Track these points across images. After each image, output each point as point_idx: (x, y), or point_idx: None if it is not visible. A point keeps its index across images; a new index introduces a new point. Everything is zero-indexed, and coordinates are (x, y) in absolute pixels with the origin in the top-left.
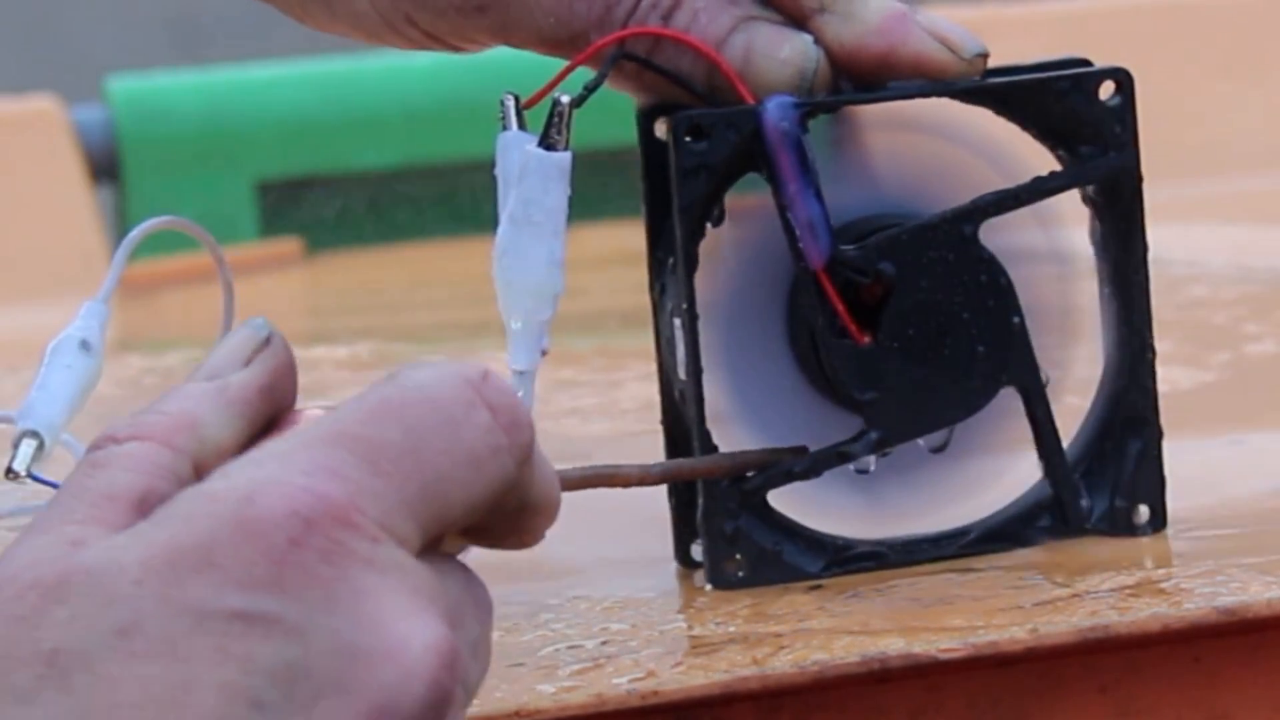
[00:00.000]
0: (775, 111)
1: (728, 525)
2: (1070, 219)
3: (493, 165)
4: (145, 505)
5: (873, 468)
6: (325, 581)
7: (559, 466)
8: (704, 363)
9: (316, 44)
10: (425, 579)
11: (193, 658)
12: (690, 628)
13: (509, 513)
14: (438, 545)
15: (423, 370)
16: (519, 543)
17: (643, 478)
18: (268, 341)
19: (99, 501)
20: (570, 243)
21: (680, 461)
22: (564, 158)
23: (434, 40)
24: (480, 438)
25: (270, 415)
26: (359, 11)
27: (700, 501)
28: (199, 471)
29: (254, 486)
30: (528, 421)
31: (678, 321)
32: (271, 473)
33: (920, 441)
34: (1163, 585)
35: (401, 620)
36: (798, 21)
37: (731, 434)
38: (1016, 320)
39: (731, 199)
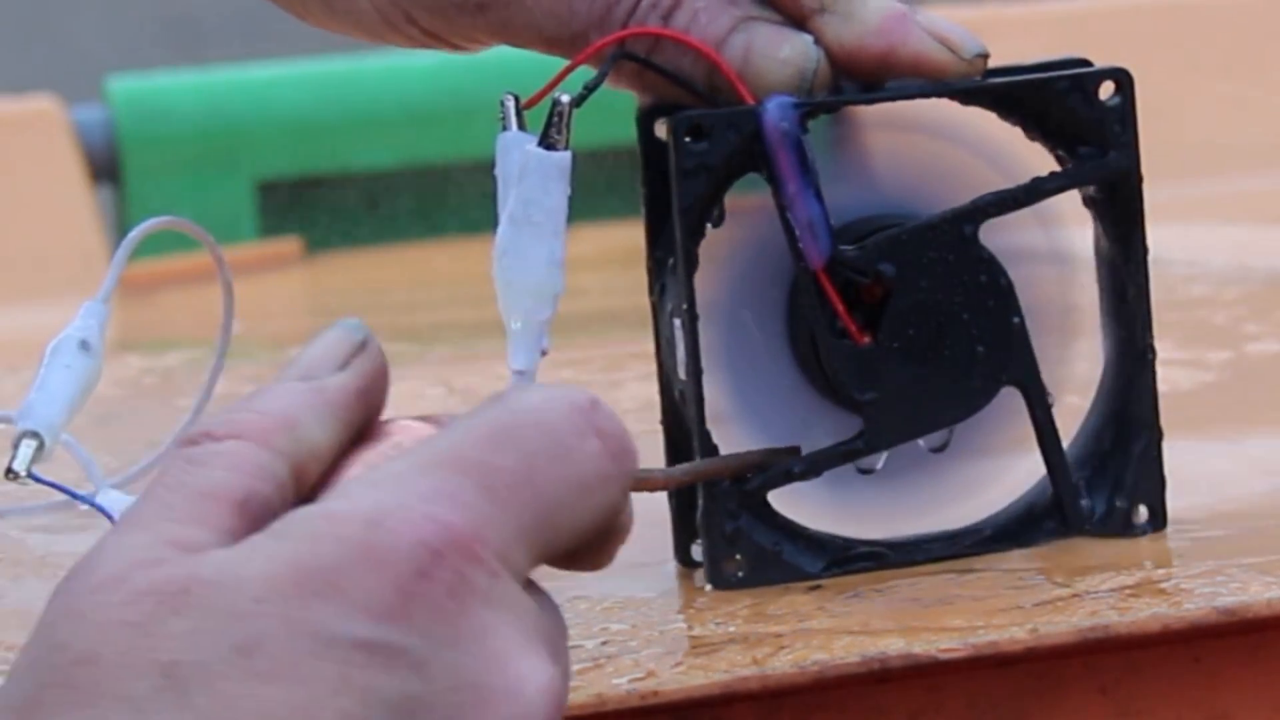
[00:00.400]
0: (775, 112)
1: (728, 525)
2: (1070, 219)
3: (492, 165)
4: (247, 508)
5: (879, 467)
6: (449, 616)
7: None
8: (704, 363)
9: (316, 44)
10: (534, 615)
11: (314, 683)
12: (690, 628)
13: (599, 543)
14: None
15: (533, 394)
16: (593, 566)
17: (666, 482)
18: (363, 345)
19: (199, 500)
20: (570, 243)
21: (698, 464)
22: (564, 157)
23: (434, 39)
24: (591, 466)
25: (365, 421)
26: (359, 9)
27: (700, 502)
28: (297, 475)
29: (379, 511)
30: (634, 450)
31: (678, 322)
32: (394, 497)
33: (920, 441)
34: (1163, 585)
35: (520, 660)
36: (797, 22)
37: (731, 434)
38: (1016, 320)
39: (731, 199)
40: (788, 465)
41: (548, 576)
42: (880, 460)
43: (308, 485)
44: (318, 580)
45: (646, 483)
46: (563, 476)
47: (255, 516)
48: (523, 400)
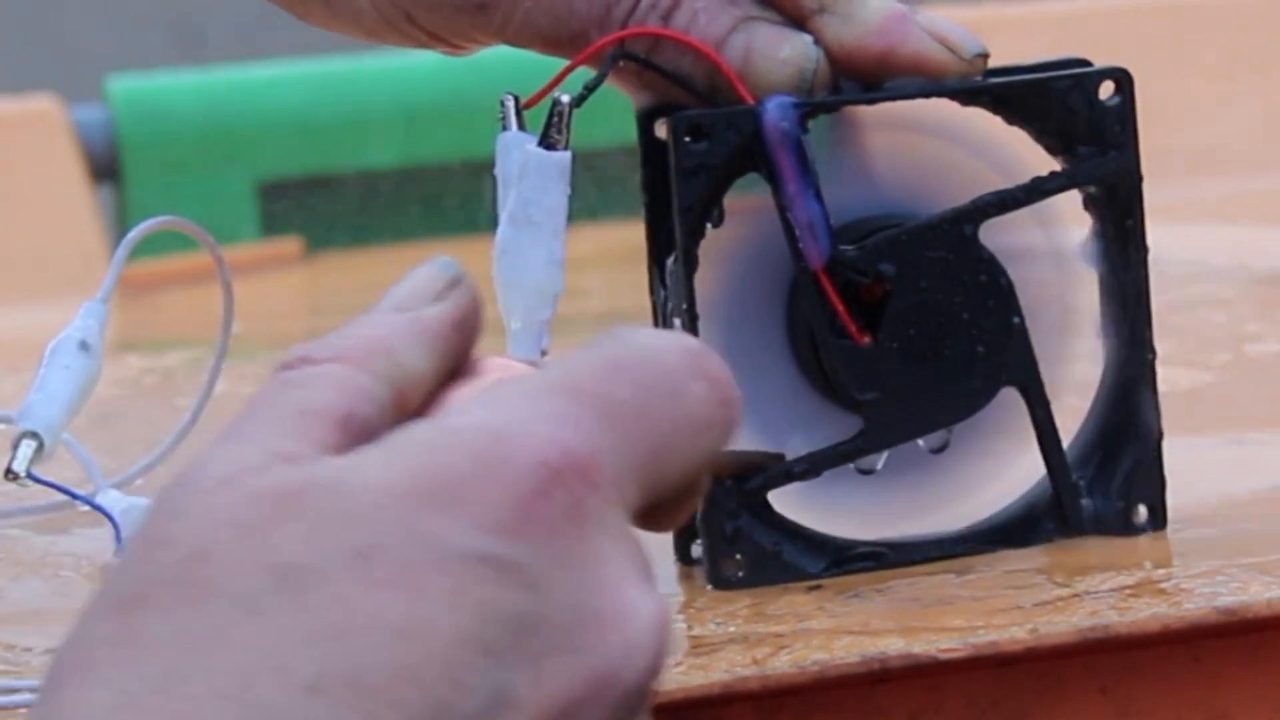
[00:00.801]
0: (775, 112)
1: (728, 525)
2: (1070, 219)
3: (492, 165)
4: (348, 426)
5: (879, 467)
6: (565, 537)
7: None
8: None
9: (316, 44)
10: (640, 549)
11: (431, 594)
12: (690, 628)
13: (684, 497)
14: None
15: (644, 333)
16: (668, 525)
17: None
18: (457, 279)
19: (300, 417)
20: (570, 243)
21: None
22: (564, 157)
23: (434, 38)
24: (700, 408)
25: (463, 353)
26: (359, 9)
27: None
28: (398, 400)
29: (501, 428)
30: (738, 399)
31: (678, 322)
32: (516, 415)
33: (920, 442)
34: (1163, 585)
35: (630, 589)
36: (797, 22)
37: None
38: (1016, 320)
39: (731, 199)
40: (788, 465)
41: None
42: (880, 461)
43: (408, 412)
44: (437, 491)
45: None
46: (674, 415)
47: (357, 436)
48: (636, 337)
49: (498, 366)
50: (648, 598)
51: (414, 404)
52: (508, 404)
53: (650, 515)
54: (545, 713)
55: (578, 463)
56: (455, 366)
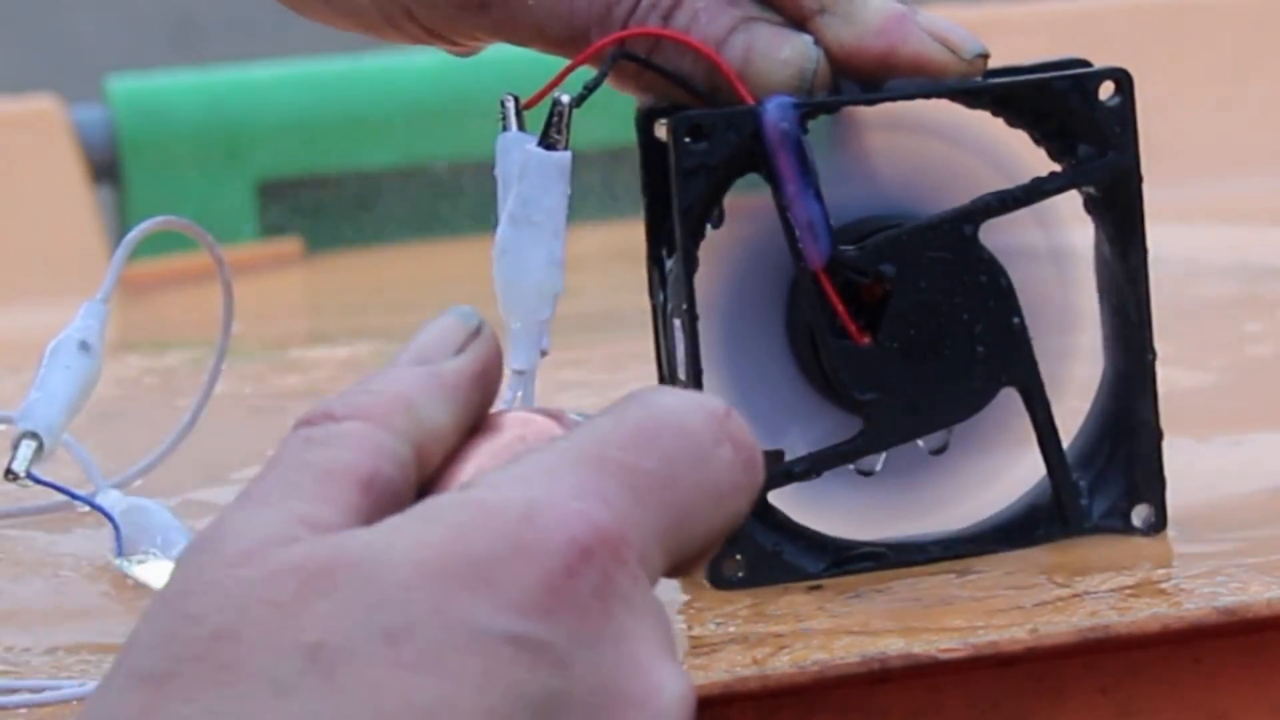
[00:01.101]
0: (775, 112)
1: None
2: (1070, 219)
3: (492, 165)
4: (372, 487)
5: (878, 468)
6: (594, 616)
7: None
8: (704, 363)
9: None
10: (666, 621)
11: (460, 676)
12: (690, 628)
13: (707, 556)
14: None
15: (669, 396)
16: (692, 572)
17: None
18: (477, 330)
19: (324, 479)
20: (570, 243)
21: None
22: (564, 157)
23: (433, 36)
24: (726, 475)
25: (483, 406)
26: (359, 6)
27: None
28: (419, 456)
29: (532, 505)
30: (762, 464)
31: (678, 322)
32: (545, 492)
33: (920, 443)
34: (1163, 585)
35: (657, 667)
36: (797, 22)
37: None
38: (1016, 321)
39: (731, 199)
40: (788, 465)
41: None
42: (879, 462)
43: (430, 468)
44: (468, 570)
45: None
46: (700, 482)
47: (380, 496)
48: (661, 402)
49: (518, 421)
50: (674, 675)
51: (435, 460)
52: (537, 478)
53: (671, 573)
54: None
55: (607, 539)
56: (475, 421)
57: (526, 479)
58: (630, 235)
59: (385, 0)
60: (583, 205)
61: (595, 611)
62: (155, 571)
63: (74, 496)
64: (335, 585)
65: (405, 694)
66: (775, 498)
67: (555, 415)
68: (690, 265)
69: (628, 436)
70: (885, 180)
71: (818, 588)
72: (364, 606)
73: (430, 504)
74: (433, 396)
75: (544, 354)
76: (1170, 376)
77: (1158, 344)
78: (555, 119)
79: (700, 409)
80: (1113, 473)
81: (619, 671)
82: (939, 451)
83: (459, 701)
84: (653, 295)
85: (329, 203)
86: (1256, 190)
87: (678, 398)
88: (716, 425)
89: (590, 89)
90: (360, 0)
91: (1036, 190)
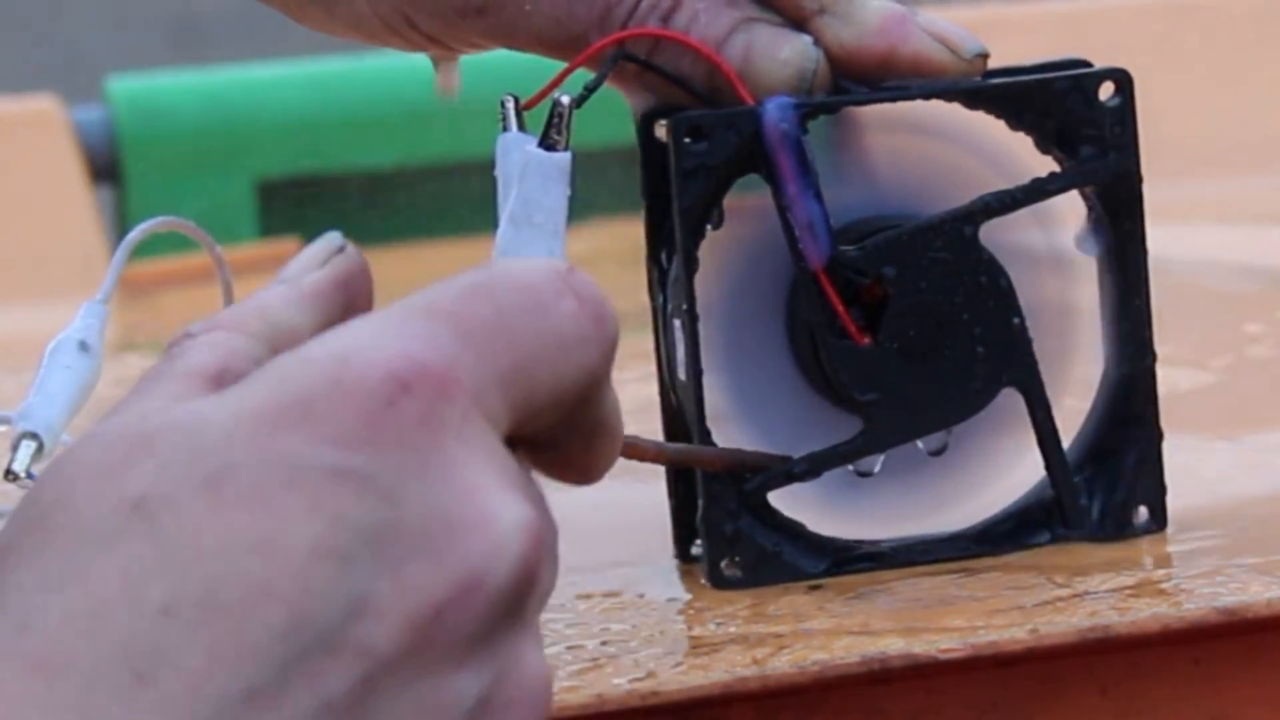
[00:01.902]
0: (775, 112)
1: (728, 526)
2: (1070, 219)
3: (492, 166)
4: (222, 381)
5: (877, 469)
6: (419, 447)
7: None
8: (704, 363)
9: (317, 44)
10: (511, 464)
11: (282, 510)
12: (690, 628)
13: (583, 430)
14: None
15: (510, 260)
16: (584, 469)
17: (657, 455)
18: (341, 249)
19: (176, 379)
20: (570, 242)
21: (691, 447)
22: (564, 158)
23: (433, 42)
24: (568, 324)
25: (346, 312)
26: (359, 13)
27: (700, 502)
28: (276, 355)
29: (351, 348)
30: (613, 318)
31: (678, 323)
32: (368, 337)
33: (920, 445)
34: (1163, 586)
35: (493, 496)
36: (797, 23)
37: (731, 435)
38: (1017, 321)
39: (731, 199)
40: (788, 466)
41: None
42: (878, 463)
43: None
44: (286, 412)
45: (637, 450)
46: (538, 329)
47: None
48: (500, 264)
49: None
50: (513, 504)
51: None
52: (360, 327)
53: (542, 450)
54: (409, 618)
55: (429, 374)
56: (340, 321)
57: (351, 330)
58: (630, 235)
59: (385, 7)
60: (583, 205)
61: (422, 443)
62: None
63: None
64: (159, 444)
65: (228, 532)
66: (776, 499)
67: None
68: (690, 266)
69: (459, 290)
70: (885, 181)
71: (818, 588)
72: (185, 458)
73: (261, 369)
74: (289, 304)
75: None
76: (1170, 376)
77: (1158, 344)
78: (555, 120)
79: (539, 266)
80: (1113, 473)
81: (451, 499)
82: (938, 453)
83: (283, 534)
84: (653, 296)
85: (329, 203)
86: (1256, 190)
87: (516, 260)
88: (557, 279)
89: (590, 90)
90: (361, 8)
91: (1037, 191)
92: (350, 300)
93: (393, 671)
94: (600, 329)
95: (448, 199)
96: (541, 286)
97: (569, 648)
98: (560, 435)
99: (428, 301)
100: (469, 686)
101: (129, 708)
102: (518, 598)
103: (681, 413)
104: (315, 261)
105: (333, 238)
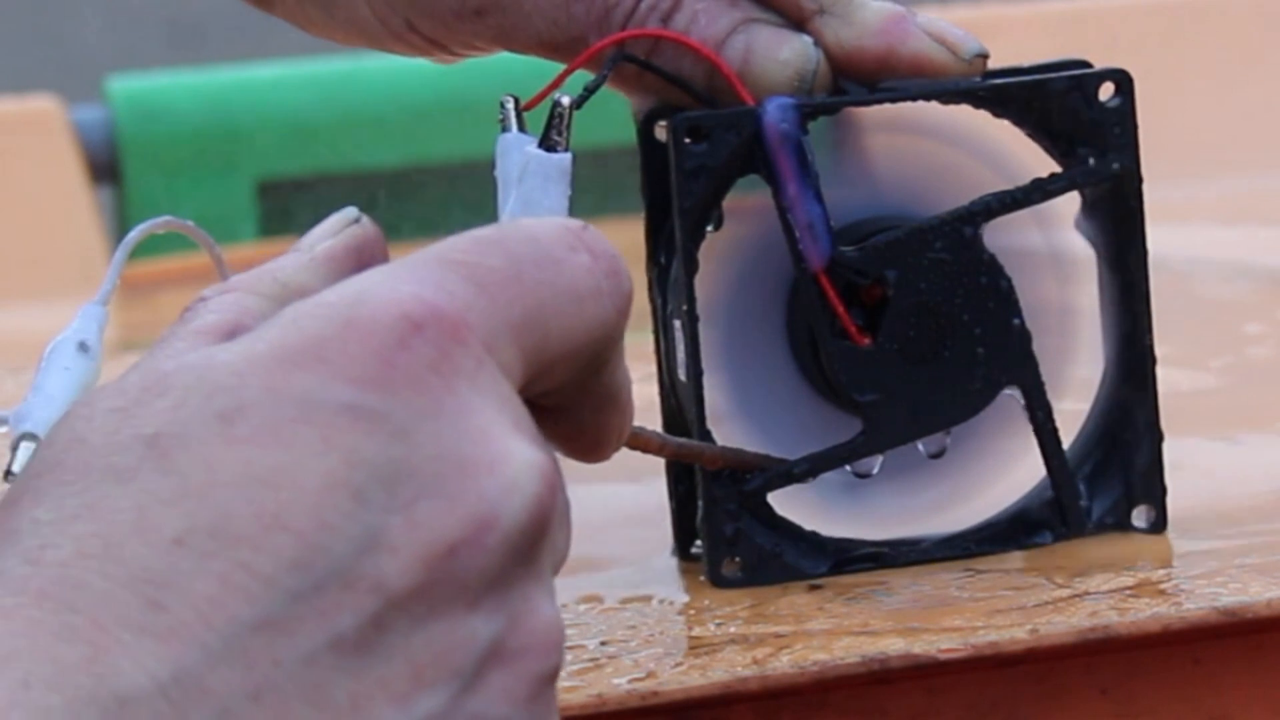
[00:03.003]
0: (775, 113)
1: (728, 527)
2: (1070, 219)
3: (492, 166)
4: (234, 336)
5: (875, 471)
6: (431, 388)
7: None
8: (704, 364)
9: (317, 44)
10: (524, 412)
11: (296, 445)
12: (690, 628)
13: (595, 396)
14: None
15: (525, 219)
16: (595, 440)
17: (661, 447)
18: (356, 220)
19: (188, 336)
20: None
21: (693, 443)
22: (564, 159)
23: (434, 45)
24: (581, 277)
25: (361, 271)
26: (360, 17)
27: (700, 503)
28: None
29: (364, 291)
30: (627, 274)
31: (678, 323)
32: (381, 281)
33: (920, 446)
34: (1163, 586)
35: (504, 438)
36: (797, 23)
37: (731, 435)
38: (1017, 322)
39: (731, 200)
40: (788, 466)
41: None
42: (876, 465)
43: None
44: (299, 352)
45: (641, 440)
46: (551, 281)
47: None
48: (512, 221)
49: None
50: (525, 446)
51: None
52: (373, 274)
53: (553, 416)
54: (422, 556)
55: (441, 317)
56: None
57: (364, 277)
58: (630, 234)
59: (386, 11)
60: (583, 204)
61: (434, 385)
62: None
63: None
64: (173, 384)
65: (241, 465)
66: (776, 500)
67: None
68: (690, 266)
69: (472, 240)
70: (885, 181)
71: (818, 588)
72: (200, 397)
73: (275, 316)
74: (302, 268)
75: None
76: (1170, 376)
77: (1158, 344)
78: (555, 120)
79: (552, 222)
80: (1113, 473)
81: (464, 440)
82: (937, 455)
83: (296, 467)
84: (652, 296)
85: (329, 203)
86: (1256, 190)
87: (535, 219)
88: (570, 234)
89: (590, 90)
90: (362, 13)
91: (1037, 191)
92: (363, 267)
93: (405, 609)
94: (614, 283)
95: (448, 199)
96: (554, 240)
97: (569, 648)
98: (572, 399)
99: (441, 250)
100: (482, 629)
101: (139, 634)
102: (531, 541)
103: (682, 413)
104: (330, 232)
105: (349, 211)
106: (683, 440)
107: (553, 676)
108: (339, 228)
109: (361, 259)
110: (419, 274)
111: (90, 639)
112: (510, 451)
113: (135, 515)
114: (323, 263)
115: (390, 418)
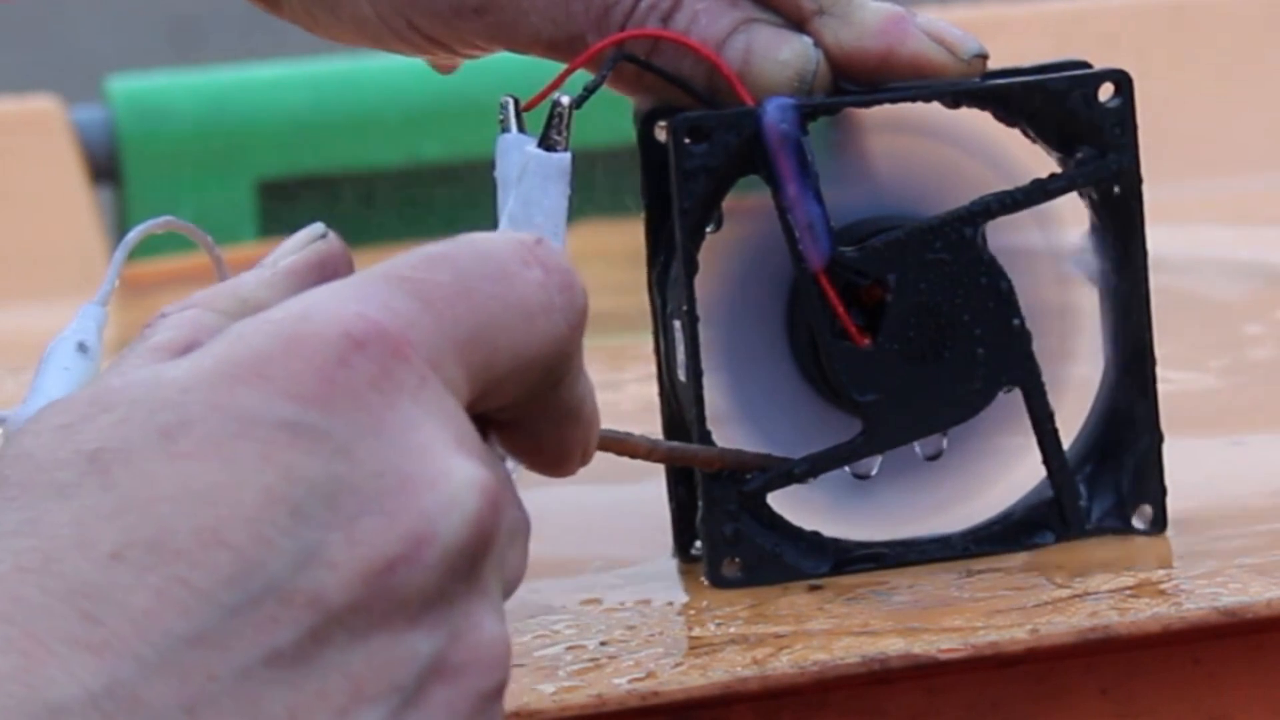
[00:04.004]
0: (775, 113)
1: (727, 527)
2: (1070, 219)
3: (492, 167)
4: (189, 351)
5: (874, 472)
6: (372, 406)
7: None
8: (704, 364)
9: (316, 44)
10: (469, 429)
11: (236, 460)
12: (690, 628)
13: (553, 412)
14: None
15: (478, 234)
16: (556, 456)
17: (650, 452)
18: (322, 235)
19: (145, 353)
20: (570, 243)
21: (687, 446)
22: (564, 159)
23: (435, 44)
24: (532, 292)
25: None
26: (361, 17)
27: (700, 504)
28: None
29: (308, 309)
30: (581, 289)
31: (678, 324)
32: (325, 299)
33: (916, 449)
34: (1163, 586)
35: (446, 456)
36: (797, 24)
37: (731, 436)
38: (1017, 322)
39: (731, 200)
40: (788, 466)
41: (547, 576)
42: (875, 466)
43: None
44: (243, 368)
45: (629, 447)
46: (501, 296)
47: None
48: (468, 236)
49: None
50: (466, 463)
51: None
52: (319, 291)
53: (512, 432)
54: (361, 571)
55: (384, 334)
56: None
57: (311, 294)
58: (630, 234)
59: (387, 11)
60: (583, 204)
61: (375, 402)
62: None
63: None
64: (119, 401)
65: (181, 481)
66: (776, 501)
67: None
68: (690, 267)
69: (420, 257)
70: (885, 182)
71: (818, 588)
72: (144, 412)
73: (222, 333)
74: (263, 283)
75: None
76: (1170, 376)
77: (1158, 344)
78: (555, 120)
79: (505, 237)
80: (1113, 473)
81: (404, 457)
82: (934, 458)
83: (236, 484)
84: (652, 297)
85: (329, 203)
86: (1256, 190)
87: (488, 234)
88: (523, 249)
89: (590, 90)
90: (365, 12)
91: (1037, 192)
92: (326, 282)
93: (343, 624)
94: (567, 298)
95: (447, 199)
96: (505, 255)
97: (569, 648)
98: (530, 414)
99: (389, 267)
100: (422, 645)
101: (73, 646)
102: (471, 557)
103: (682, 414)
104: (295, 247)
105: (315, 227)
106: (674, 444)
107: (498, 693)
108: (304, 243)
109: (324, 274)
110: (365, 291)
111: (24, 649)
112: (451, 468)
113: (75, 530)
114: (284, 278)
115: (330, 434)
